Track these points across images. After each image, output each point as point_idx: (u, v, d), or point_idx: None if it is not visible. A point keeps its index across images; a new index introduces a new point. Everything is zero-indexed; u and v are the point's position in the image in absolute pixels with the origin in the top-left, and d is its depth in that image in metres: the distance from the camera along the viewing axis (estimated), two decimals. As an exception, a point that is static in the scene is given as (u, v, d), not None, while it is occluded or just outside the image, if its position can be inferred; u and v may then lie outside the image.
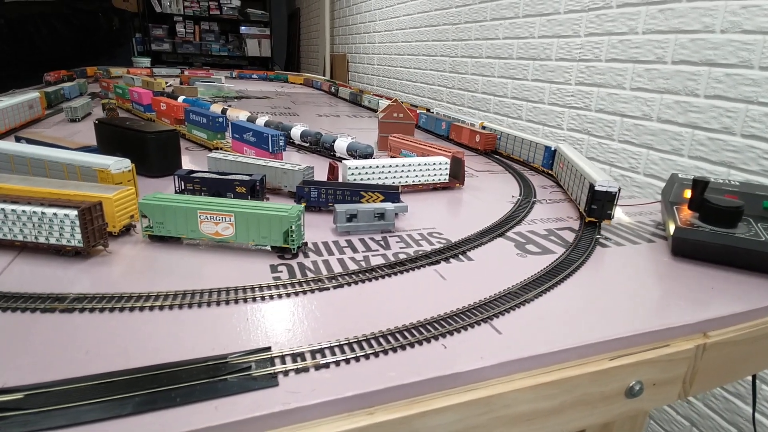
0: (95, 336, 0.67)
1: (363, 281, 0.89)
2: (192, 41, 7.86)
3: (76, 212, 0.84)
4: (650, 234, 1.28)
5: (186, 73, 4.73)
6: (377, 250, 1.05)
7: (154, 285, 0.81)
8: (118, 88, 2.49)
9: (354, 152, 1.73)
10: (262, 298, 0.80)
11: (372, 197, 1.24)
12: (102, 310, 0.73)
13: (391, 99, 3.00)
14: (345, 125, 2.92)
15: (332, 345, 0.68)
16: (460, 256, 1.05)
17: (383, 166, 1.44)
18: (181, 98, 2.38)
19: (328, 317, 0.77)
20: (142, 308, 0.74)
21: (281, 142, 1.52)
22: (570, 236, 1.22)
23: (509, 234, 1.21)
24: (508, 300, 0.85)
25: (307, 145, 1.99)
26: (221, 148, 1.75)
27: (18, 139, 1.41)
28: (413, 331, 0.73)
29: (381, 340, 0.70)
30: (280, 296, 0.81)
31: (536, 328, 0.78)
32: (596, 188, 1.23)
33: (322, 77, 5.93)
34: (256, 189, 1.21)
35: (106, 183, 1.05)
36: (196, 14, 7.75)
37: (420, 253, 1.04)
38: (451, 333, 0.74)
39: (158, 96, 2.20)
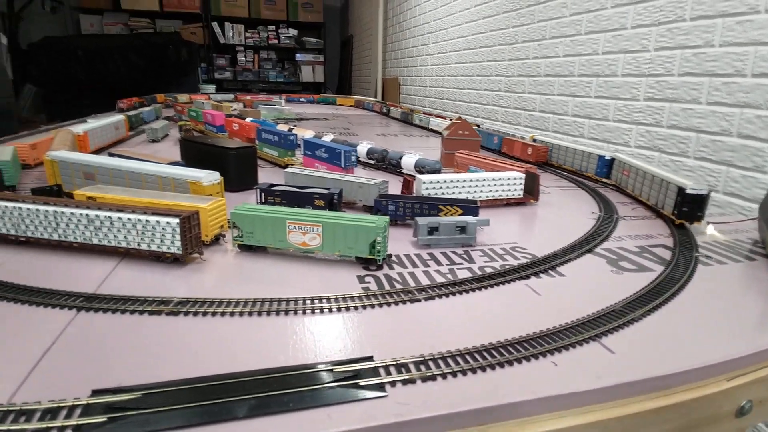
0: (200, 338, 0.68)
1: (453, 294, 0.86)
2: (251, 69, 8.29)
3: (177, 220, 0.87)
4: (749, 252, 1.17)
5: (237, 97, 4.96)
6: (461, 264, 1.02)
7: (247, 292, 0.82)
8: (192, 111, 2.65)
9: (422, 168, 1.72)
10: (355, 308, 0.79)
11: (450, 211, 1.21)
12: (204, 314, 0.74)
13: (454, 117, 2.99)
14: (400, 143, 2.94)
15: (436, 357, 0.65)
16: (551, 271, 1.00)
17: (457, 181, 1.42)
18: (248, 119, 2.48)
19: (425, 329, 0.74)
20: (241, 313, 0.75)
21: (353, 158, 1.53)
22: (665, 253, 1.13)
23: (598, 250, 1.14)
24: (614, 318, 0.79)
25: (372, 162, 2.01)
26: (292, 165, 1.80)
27: (111, 156, 1.51)
28: (518, 346, 0.69)
29: (485, 354, 0.67)
30: (372, 306, 0.80)
31: (650, 348, 0.72)
32: (687, 191, 1.25)
33: (373, 99, 6.04)
34: (334, 202, 1.22)
35: (198, 194, 1.09)
36: (256, 44, 8.19)
37: (507, 267, 0.99)
38: (559, 350, 0.69)
39: (230, 117, 2.30)
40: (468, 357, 0.66)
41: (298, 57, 8.58)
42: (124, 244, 0.91)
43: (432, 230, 1.10)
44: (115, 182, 1.19)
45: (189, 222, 0.89)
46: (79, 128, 1.86)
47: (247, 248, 1.00)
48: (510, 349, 0.68)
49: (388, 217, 0.98)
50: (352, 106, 5.64)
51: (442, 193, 1.40)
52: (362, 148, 2.01)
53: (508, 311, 0.82)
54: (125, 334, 0.68)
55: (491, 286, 0.90)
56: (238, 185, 1.44)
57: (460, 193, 1.43)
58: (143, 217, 0.89)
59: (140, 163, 1.18)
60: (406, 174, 1.53)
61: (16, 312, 0.73)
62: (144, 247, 0.90)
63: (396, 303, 0.81)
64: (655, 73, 2.39)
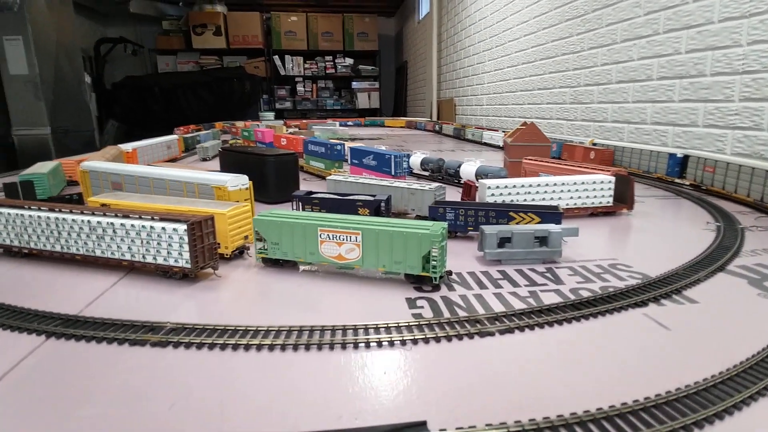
0: (185, 381, 0.49)
1: (540, 325, 0.62)
2: (309, 98, 8.50)
3: (185, 226, 0.71)
4: None
5: (286, 123, 5.01)
6: (545, 285, 0.77)
7: (265, 317, 0.63)
8: (245, 131, 2.62)
9: (485, 176, 1.49)
10: (403, 343, 0.57)
11: (525, 219, 0.97)
12: (200, 345, 0.55)
13: (509, 130, 2.77)
14: (455, 156, 2.75)
15: (526, 427, 0.41)
16: (675, 295, 0.72)
17: (530, 186, 1.17)
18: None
19: (503, 376, 0.51)
20: (248, 346, 0.56)
21: (405, 164, 1.34)
22: (836, 273, 0.81)
23: (732, 268, 0.85)
24: (802, 367, 0.51)
25: (427, 173, 1.80)
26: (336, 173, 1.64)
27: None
28: (656, 411, 0.44)
29: (605, 424, 0.42)
30: (426, 340, 0.58)
31: None
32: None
33: (424, 119, 5.93)
34: (381, 211, 1.02)
35: (223, 201, 0.94)
36: (314, 74, 8.42)
37: (612, 290, 0.73)
38: (720, 416, 0.43)
39: (279, 134, 2.22)
40: (576, 427, 0.41)
41: (354, 85, 8.72)
42: (128, 256, 0.76)
43: (503, 241, 0.86)
44: (141, 190, 1.08)
45: (200, 229, 0.73)
46: (128, 145, 1.83)
47: (272, 263, 0.82)
48: (644, 416, 0.43)
49: (446, 223, 0.76)
50: (402, 126, 5.54)
51: (511, 201, 1.15)
52: (416, 158, 1.81)
53: (626, 352, 0.56)
54: (94, 371, 0.51)
55: (594, 315, 0.65)
56: (277, 196, 1.29)
57: (533, 200, 1.18)
58: (148, 224, 0.74)
59: (165, 170, 1.06)
60: (467, 180, 1.30)
61: (-19, 336, 0.59)
62: (149, 259, 0.75)
63: (459, 336, 0.58)
64: (750, 70, 2.04)
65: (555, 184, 1.21)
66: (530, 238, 0.87)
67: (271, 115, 6.37)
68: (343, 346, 0.56)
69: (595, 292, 0.73)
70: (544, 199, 1.20)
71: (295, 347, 0.56)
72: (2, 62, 3.13)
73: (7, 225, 0.83)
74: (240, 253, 0.87)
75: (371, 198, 1.03)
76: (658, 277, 0.79)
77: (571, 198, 1.22)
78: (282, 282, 0.77)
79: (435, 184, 1.12)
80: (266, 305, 0.70)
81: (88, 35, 5.83)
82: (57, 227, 0.80)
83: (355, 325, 0.60)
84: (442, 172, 1.72)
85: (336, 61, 8.78)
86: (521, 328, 0.61)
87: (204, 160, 2.31)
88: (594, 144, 2.26)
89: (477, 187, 1.17)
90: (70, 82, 3.70)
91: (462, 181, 1.61)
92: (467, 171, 1.57)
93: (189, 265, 0.73)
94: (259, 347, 0.55)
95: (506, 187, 1.15)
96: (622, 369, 0.52)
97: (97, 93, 5.72)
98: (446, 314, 0.65)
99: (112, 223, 0.76)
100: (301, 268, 0.83)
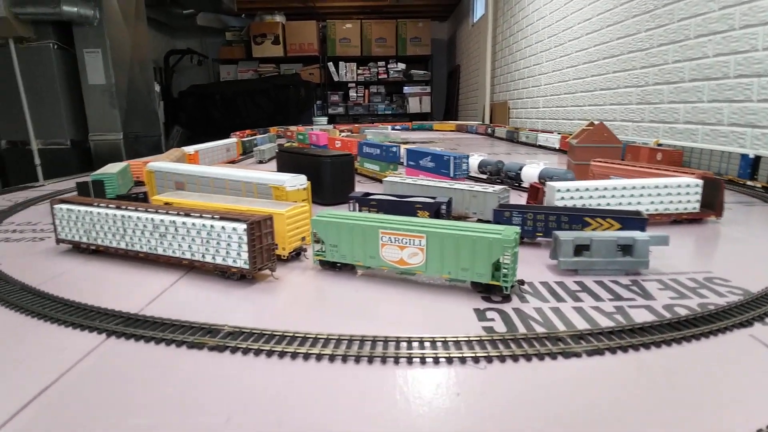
0: (242, 392, 0.46)
1: (635, 347, 0.53)
2: (361, 104, 8.59)
3: (245, 226, 0.69)
4: None
5: (335, 127, 5.05)
6: (633, 300, 0.68)
7: (324, 324, 0.60)
8: (300, 134, 2.65)
9: (550, 179, 1.39)
10: (475, 360, 0.51)
11: (603, 225, 0.88)
12: (258, 352, 0.52)
13: (588, 124, 2.63)
14: (510, 160, 2.66)
15: (636, 471, 0.34)
16: (796, 317, 0.61)
17: (604, 189, 1.07)
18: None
19: (598, 408, 0.43)
20: (307, 355, 0.52)
21: (464, 166, 1.27)
22: None
23: None
24: None
25: (485, 176, 1.72)
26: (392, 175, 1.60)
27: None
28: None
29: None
30: (502, 359, 0.51)
31: None
32: None
33: (476, 122, 5.80)
34: (442, 213, 0.96)
35: (280, 201, 0.92)
36: (367, 80, 8.50)
37: (712, 308, 0.63)
38: None
39: (333, 137, 2.22)
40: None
41: (406, 89, 8.71)
42: (188, 255, 0.76)
43: (580, 249, 0.78)
44: (202, 190, 1.09)
45: (260, 229, 0.71)
46: (191, 148, 1.89)
47: (330, 266, 0.79)
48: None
49: (518, 228, 0.69)
50: (452, 130, 5.45)
51: (582, 205, 1.06)
52: (473, 161, 1.74)
53: (737, 380, 0.47)
54: (151, 374, 0.49)
55: (696, 337, 0.56)
56: (333, 198, 1.26)
57: (608, 205, 1.08)
58: (208, 223, 0.72)
59: (224, 169, 1.07)
60: (534, 182, 1.21)
61: (38, 331, 0.59)
62: (208, 259, 0.74)
63: (540, 356, 0.52)
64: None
65: (633, 188, 1.10)
66: (612, 246, 0.78)
67: (324, 119, 6.50)
68: (409, 360, 0.51)
69: (693, 309, 0.64)
70: (620, 204, 1.09)
71: (357, 359, 0.51)
72: (82, 73, 3.38)
73: (77, 222, 0.86)
74: (297, 254, 0.84)
75: (431, 200, 0.98)
76: (761, 293, 0.68)
77: (652, 203, 1.11)
78: (339, 287, 0.74)
79: (499, 187, 1.05)
80: (324, 311, 0.67)
81: (158, 47, 6.22)
82: (123, 224, 0.81)
83: (421, 338, 0.54)
84: (501, 175, 1.63)
85: (388, 66, 8.83)
86: (612, 349, 0.54)
87: (260, 162, 2.36)
88: (659, 144, 2.12)
89: (545, 189, 1.08)
90: (141, 91, 3.94)
91: (520, 184, 1.53)
92: (530, 174, 1.48)
93: (247, 266, 0.70)
94: (319, 357, 0.51)
95: (577, 190, 1.06)
96: (737, 400, 0.44)
97: (164, 101, 6.08)
98: (521, 329, 0.58)
99: (174, 221, 0.75)
100: (359, 272, 0.79)
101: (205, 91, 6.71)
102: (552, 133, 3.56)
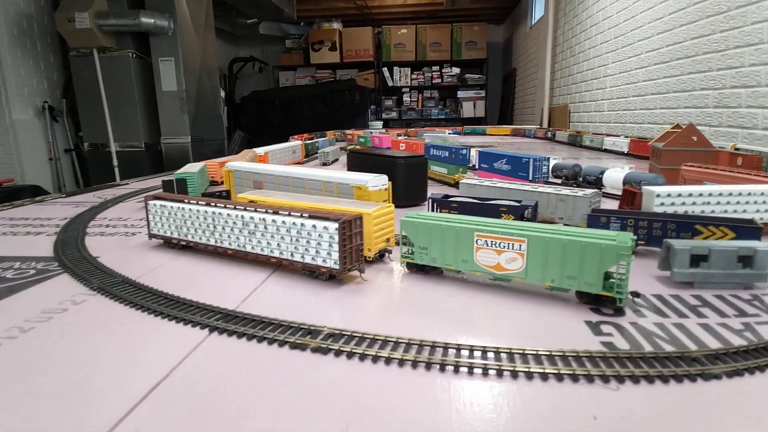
0: (355, 397, 0.44)
1: (787, 372, 0.46)
2: (415, 108, 8.57)
3: (336, 225, 0.68)
4: None
5: (387, 131, 5.04)
6: (758, 316, 0.60)
7: (424, 330, 0.57)
8: (361, 137, 2.66)
9: (637, 185, 1.29)
10: (605, 379, 0.46)
11: (716, 233, 0.79)
12: (363, 357, 0.50)
13: (674, 126, 2.48)
14: (589, 165, 2.52)
15: None
16: None
17: (709, 194, 0.98)
18: (414, 143, 2.36)
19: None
20: (415, 363, 0.49)
21: (545, 169, 1.21)
22: None
23: None
24: None
25: (559, 181, 1.64)
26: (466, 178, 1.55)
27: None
28: None
29: None
30: (635, 379, 0.46)
31: None
32: None
33: (533, 126, 5.62)
34: (526, 217, 0.91)
35: (363, 200, 0.90)
36: (421, 85, 8.48)
37: None
38: None
39: (397, 139, 2.21)
40: None
41: (460, 94, 8.60)
42: (276, 254, 0.75)
43: (696, 260, 0.70)
44: (280, 189, 1.10)
45: (350, 228, 0.69)
46: (261, 149, 1.94)
47: (417, 269, 0.76)
48: None
49: (633, 234, 0.63)
50: (507, 135, 5.30)
51: (685, 212, 0.97)
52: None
53: None
54: (258, 373, 0.48)
55: None
56: (405, 199, 1.24)
57: (712, 212, 0.98)
58: (299, 221, 0.72)
59: (304, 169, 1.07)
60: (628, 185, 1.13)
61: (143, 322, 0.60)
62: (297, 258, 0.73)
63: (677, 377, 0.46)
64: None
65: (740, 194, 1.00)
66: (733, 257, 0.70)
67: (379, 124, 6.54)
68: (529, 375, 0.47)
69: None
70: (726, 211, 0.99)
71: (457, 368, 0.48)
72: (157, 80, 3.59)
73: (169, 218, 0.88)
74: (380, 256, 0.82)
75: (516, 203, 0.93)
76: None
77: (757, 211, 1.00)
78: (430, 291, 0.71)
79: (590, 190, 0.98)
80: (420, 316, 0.64)
81: (224, 55, 6.53)
82: (213, 221, 0.82)
83: (536, 351, 0.50)
84: (579, 179, 1.54)
85: (443, 70, 8.77)
86: (750, 370, 0.47)
87: (324, 164, 2.38)
88: (737, 149, 1.98)
89: (642, 194, 1.00)
90: (208, 97, 4.13)
91: (601, 189, 1.43)
92: (613, 178, 1.38)
93: (337, 266, 0.69)
94: (428, 366, 0.48)
95: (680, 195, 0.97)
96: None
97: (228, 106, 6.37)
98: (646, 346, 0.52)
99: (263, 219, 0.75)
100: (447, 275, 0.75)
101: (265, 96, 6.97)
102: (619, 136, 3.38)
